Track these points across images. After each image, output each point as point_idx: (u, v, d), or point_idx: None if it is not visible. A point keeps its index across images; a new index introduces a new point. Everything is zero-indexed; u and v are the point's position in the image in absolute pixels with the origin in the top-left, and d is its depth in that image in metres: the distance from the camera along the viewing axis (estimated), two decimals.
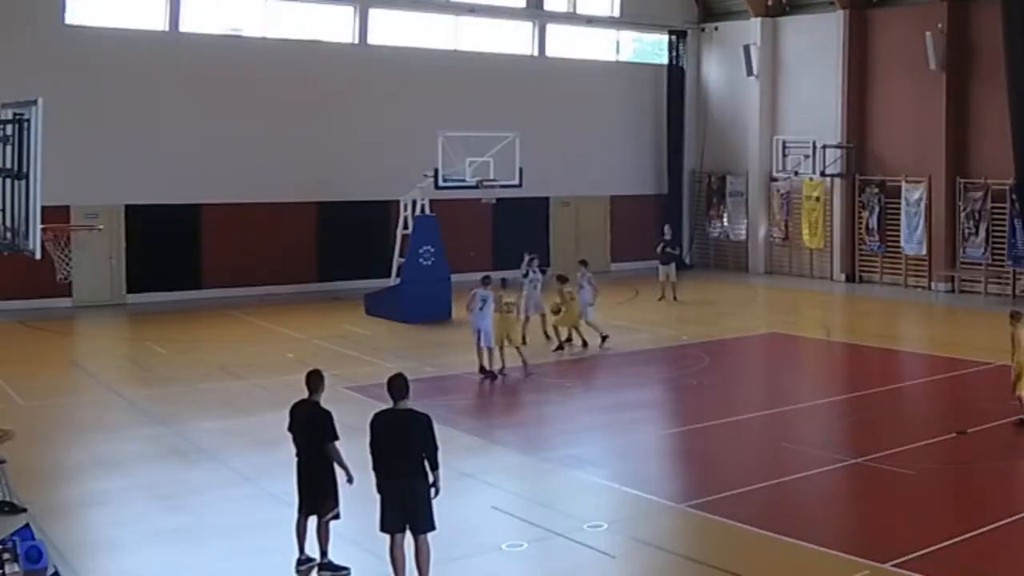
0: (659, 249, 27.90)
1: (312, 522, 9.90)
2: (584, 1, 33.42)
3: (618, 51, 35.13)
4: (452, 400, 16.91)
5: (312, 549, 9.88)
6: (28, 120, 9.75)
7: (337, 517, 9.87)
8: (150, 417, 15.79)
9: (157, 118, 26.53)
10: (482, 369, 18.38)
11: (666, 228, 29.33)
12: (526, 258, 21.89)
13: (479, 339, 18.31)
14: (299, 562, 9.89)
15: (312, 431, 9.77)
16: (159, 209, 26.66)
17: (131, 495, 12.25)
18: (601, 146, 33.63)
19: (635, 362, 20.13)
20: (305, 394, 10.00)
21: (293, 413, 10.05)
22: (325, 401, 9.98)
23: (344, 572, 9.81)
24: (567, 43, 33.56)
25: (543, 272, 22.31)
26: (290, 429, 10.04)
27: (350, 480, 9.70)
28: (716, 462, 13.95)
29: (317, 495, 9.80)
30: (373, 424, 9.23)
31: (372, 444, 9.18)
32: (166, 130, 26.64)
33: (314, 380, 10.00)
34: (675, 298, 27.24)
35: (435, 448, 9.10)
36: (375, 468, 9.18)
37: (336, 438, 9.70)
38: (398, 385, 9.20)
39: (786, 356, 21.84)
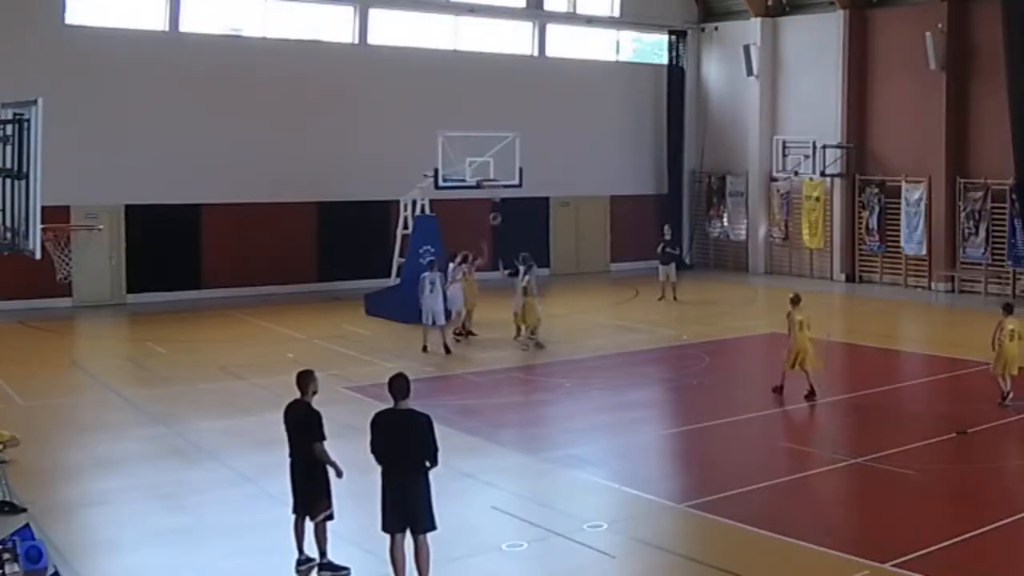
0: (659, 249, 27.89)
1: (310, 522, 9.90)
2: (584, 1, 33.42)
3: (618, 51, 35.12)
4: (452, 400, 16.90)
5: (311, 549, 9.88)
6: (28, 120, 9.78)
7: (331, 518, 9.83)
8: (150, 417, 15.79)
9: (157, 118, 26.52)
10: (425, 348, 20.32)
11: (666, 228, 29.31)
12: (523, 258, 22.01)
13: (428, 319, 20.21)
14: (299, 562, 9.89)
15: (302, 431, 9.77)
16: (159, 209, 26.66)
17: (131, 495, 12.25)
18: (601, 146, 33.61)
19: (635, 362, 20.13)
20: (298, 395, 10.00)
21: (287, 413, 10.06)
22: (324, 401, 9.98)
23: (344, 572, 9.80)
24: (567, 43, 33.56)
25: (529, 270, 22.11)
26: (285, 429, 10.06)
27: (339, 474, 9.70)
28: (716, 462, 13.94)
29: (309, 496, 9.79)
30: (373, 424, 9.23)
31: (372, 444, 9.20)
32: (166, 130, 26.63)
33: (304, 380, 9.95)
34: (675, 298, 27.24)
35: (435, 448, 9.10)
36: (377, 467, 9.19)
37: (323, 438, 9.68)
38: (399, 385, 9.20)
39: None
